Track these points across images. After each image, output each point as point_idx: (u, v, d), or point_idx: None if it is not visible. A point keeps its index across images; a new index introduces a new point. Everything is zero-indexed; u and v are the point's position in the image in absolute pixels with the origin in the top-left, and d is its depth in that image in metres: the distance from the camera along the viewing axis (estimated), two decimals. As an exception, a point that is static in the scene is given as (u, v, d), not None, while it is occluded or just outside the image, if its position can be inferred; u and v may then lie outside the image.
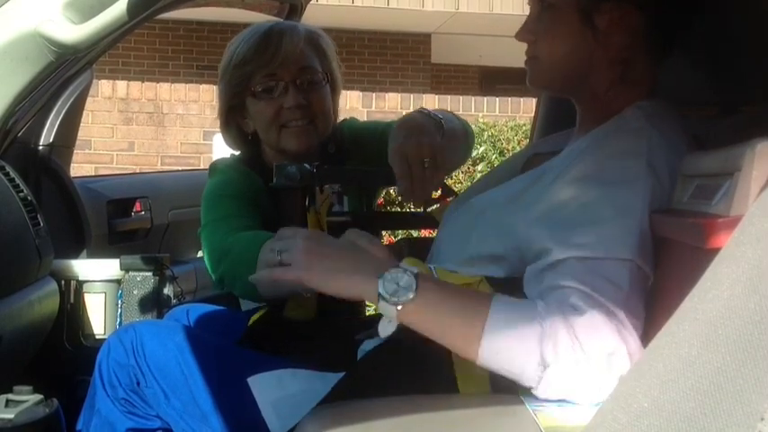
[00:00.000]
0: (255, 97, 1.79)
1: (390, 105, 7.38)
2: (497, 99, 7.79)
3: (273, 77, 1.77)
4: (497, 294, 1.12)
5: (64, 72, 2.22)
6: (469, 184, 6.13)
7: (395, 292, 1.07)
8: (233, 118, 1.86)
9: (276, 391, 1.26)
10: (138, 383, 1.49)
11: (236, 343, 1.61)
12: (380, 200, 2.33)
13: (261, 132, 1.83)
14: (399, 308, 1.07)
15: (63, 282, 2.36)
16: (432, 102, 7.69)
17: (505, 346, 1.06)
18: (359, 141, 1.91)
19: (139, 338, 1.49)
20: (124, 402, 1.52)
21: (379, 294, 1.08)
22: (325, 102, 1.82)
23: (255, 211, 1.72)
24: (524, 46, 1.37)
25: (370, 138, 1.88)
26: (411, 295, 1.07)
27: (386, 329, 1.10)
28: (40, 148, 2.49)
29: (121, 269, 2.36)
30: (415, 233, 3.87)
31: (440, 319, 1.09)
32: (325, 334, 1.55)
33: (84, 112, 2.70)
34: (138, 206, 2.91)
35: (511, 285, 1.21)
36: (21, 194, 2.12)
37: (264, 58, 1.76)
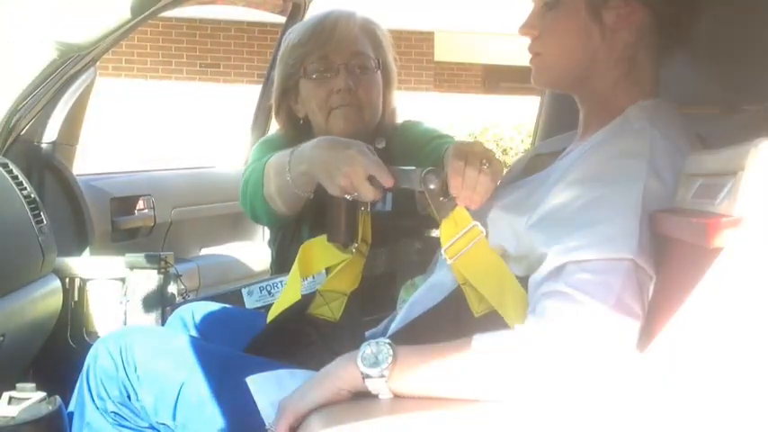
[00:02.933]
0: (308, 78, 1.86)
1: (393, 103, 7.38)
2: (501, 98, 7.79)
3: (326, 59, 1.84)
4: (476, 334, 1.12)
5: (67, 70, 2.22)
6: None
7: (375, 364, 1.09)
8: (285, 101, 1.93)
9: (275, 390, 1.26)
10: (129, 397, 1.46)
11: (251, 342, 1.59)
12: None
13: (310, 114, 1.89)
14: (386, 377, 1.09)
15: (67, 279, 2.37)
16: (435, 100, 7.69)
17: (499, 379, 1.07)
18: (410, 142, 1.93)
19: (129, 349, 1.45)
20: (114, 415, 1.48)
21: (364, 374, 1.10)
22: (374, 89, 1.88)
23: None
24: (528, 44, 1.37)
25: (422, 141, 1.90)
26: (390, 359, 1.09)
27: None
28: (44, 145, 2.49)
29: (126, 267, 2.36)
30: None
31: (428, 373, 1.10)
32: (342, 340, 1.51)
33: (88, 110, 2.70)
34: (141, 204, 2.91)
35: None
36: (24, 192, 2.12)
37: (319, 41, 1.84)
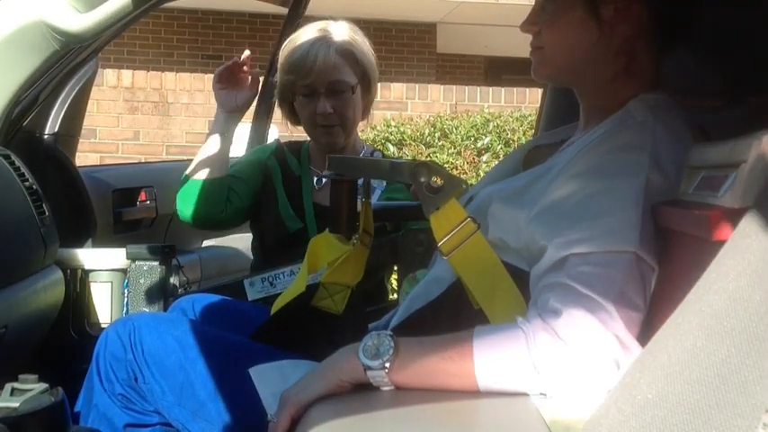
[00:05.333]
0: (297, 99, 2.23)
1: (396, 95, 7.37)
2: (503, 89, 7.77)
3: (310, 87, 2.18)
4: (477, 326, 1.12)
5: (69, 61, 2.22)
6: (474, 174, 6.13)
7: (376, 355, 1.09)
8: (287, 103, 2.30)
9: (278, 381, 1.26)
10: (137, 379, 1.49)
11: (255, 333, 1.60)
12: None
13: (302, 125, 2.28)
14: (387, 368, 1.08)
15: (69, 271, 2.37)
16: (437, 92, 7.67)
17: (500, 370, 1.07)
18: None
19: (137, 332, 1.49)
20: (121, 398, 1.51)
21: (365, 366, 1.09)
22: (350, 107, 2.21)
23: (250, 175, 2.26)
24: (530, 36, 1.37)
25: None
26: (392, 351, 1.08)
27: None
28: (46, 137, 2.49)
29: (128, 258, 2.36)
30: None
31: (429, 365, 1.09)
32: (345, 333, 1.53)
33: (90, 102, 2.70)
34: (143, 195, 2.91)
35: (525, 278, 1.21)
36: (26, 183, 2.12)
37: (303, 72, 2.17)
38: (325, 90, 2.17)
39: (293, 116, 2.31)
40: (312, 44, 2.19)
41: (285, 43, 2.28)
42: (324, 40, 2.19)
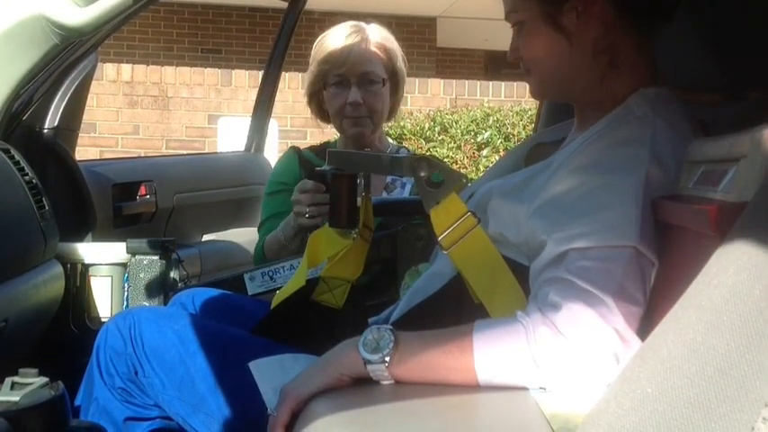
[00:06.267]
0: (328, 90, 2.31)
1: (395, 89, 7.36)
2: (503, 83, 7.76)
3: (341, 77, 2.28)
4: (477, 320, 1.12)
5: (69, 55, 2.22)
6: (474, 169, 6.13)
7: (377, 349, 1.09)
8: (315, 98, 2.39)
9: (278, 375, 1.26)
10: (137, 373, 1.49)
11: (255, 327, 1.61)
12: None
13: (330, 116, 2.36)
14: (387, 362, 1.08)
15: (69, 265, 2.37)
16: (437, 86, 7.66)
17: (500, 364, 1.07)
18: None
19: (138, 326, 1.49)
20: (121, 391, 1.51)
21: (365, 360, 1.09)
22: (380, 99, 2.31)
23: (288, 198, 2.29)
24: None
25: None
26: (392, 345, 1.09)
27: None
28: (45, 131, 2.49)
29: (128, 253, 2.36)
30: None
31: (429, 360, 1.10)
32: (345, 327, 1.54)
33: (89, 96, 2.69)
34: (143, 190, 2.91)
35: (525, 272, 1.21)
36: (26, 178, 2.12)
37: (338, 62, 2.27)
38: (357, 80, 2.27)
39: (322, 112, 2.39)
40: (349, 36, 2.30)
41: (320, 38, 2.36)
42: (360, 34, 2.31)
